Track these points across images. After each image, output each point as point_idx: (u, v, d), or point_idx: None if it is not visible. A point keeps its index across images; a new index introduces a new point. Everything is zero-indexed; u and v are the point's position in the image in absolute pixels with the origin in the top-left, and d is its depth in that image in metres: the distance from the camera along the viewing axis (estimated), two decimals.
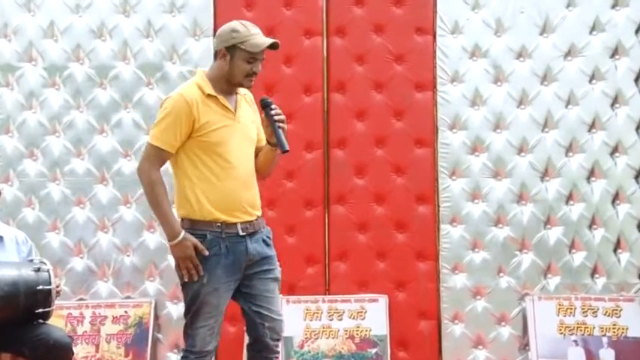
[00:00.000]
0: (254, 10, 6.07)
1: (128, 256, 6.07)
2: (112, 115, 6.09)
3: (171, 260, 5.80)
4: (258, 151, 4.02)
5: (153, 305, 5.93)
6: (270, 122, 3.88)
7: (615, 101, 5.94)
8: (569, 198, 5.97)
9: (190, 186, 3.80)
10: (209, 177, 3.78)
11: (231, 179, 3.80)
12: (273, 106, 3.88)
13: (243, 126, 3.89)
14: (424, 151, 6.04)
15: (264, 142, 4.04)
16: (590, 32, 6.00)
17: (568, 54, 6.00)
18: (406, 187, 6.04)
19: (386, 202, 6.05)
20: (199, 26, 6.08)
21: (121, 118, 6.10)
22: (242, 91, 3.94)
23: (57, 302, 4.50)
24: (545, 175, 6.00)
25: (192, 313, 3.85)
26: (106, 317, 5.90)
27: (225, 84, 3.84)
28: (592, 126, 5.97)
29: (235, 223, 3.81)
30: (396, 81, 6.05)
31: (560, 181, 5.98)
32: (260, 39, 3.80)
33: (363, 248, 6.02)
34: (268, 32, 5.97)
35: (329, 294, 5.94)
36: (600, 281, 5.91)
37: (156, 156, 3.77)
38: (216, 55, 3.84)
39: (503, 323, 5.93)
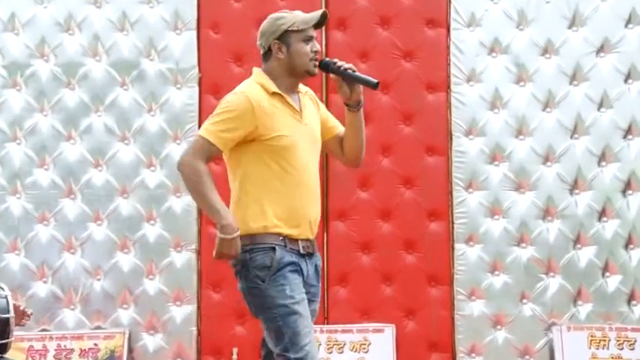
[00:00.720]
0: (244, 0, 6.08)
1: (98, 280, 6.02)
2: (80, 119, 6.07)
3: (147, 285, 5.91)
4: (334, 142, 4.03)
5: (126, 336, 5.90)
6: (342, 74, 3.85)
7: None
8: (602, 214, 5.95)
9: (254, 194, 3.78)
10: (275, 185, 3.78)
11: (299, 189, 3.82)
12: (335, 60, 3.87)
13: (310, 129, 3.90)
14: (436, 160, 6.01)
15: (337, 130, 4.05)
16: (626, 25, 6.00)
17: (600, 49, 5.99)
18: (416, 201, 6.00)
19: (393, 218, 6.01)
20: (181, 18, 6.06)
21: (91, 123, 6.07)
22: (302, 89, 3.97)
23: (16, 333, 4.35)
24: (574, 187, 5.97)
25: (291, 335, 3.72)
26: (72, 350, 5.86)
27: (288, 78, 3.87)
28: (628, 131, 5.96)
29: (297, 240, 3.81)
30: (405, 80, 5.99)
31: (591, 195, 5.96)
32: (307, 14, 3.86)
33: (366, 271, 5.98)
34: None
35: (328, 323, 5.91)
36: (638, 309, 5.89)
37: (203, 149, 3.74)
38: (265, 55, 3.88)
39: (527, 357, 5.89)
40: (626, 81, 5.96)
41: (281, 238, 3.77)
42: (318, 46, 3.87)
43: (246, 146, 3.79)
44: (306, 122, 3.89)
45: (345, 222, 5.99)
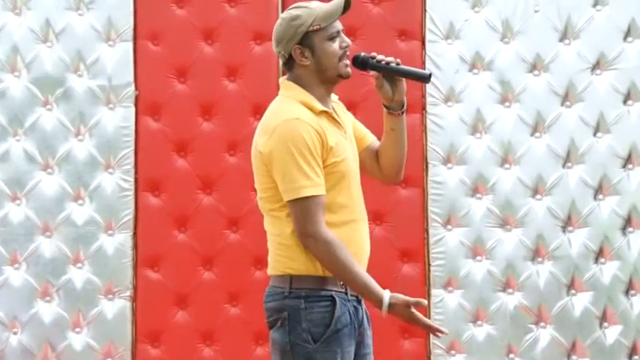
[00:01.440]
0: (187, 6, 5.99)
1: (15, 333, 5.90)
2: None
3: (72, 339, 5.83)
4: (366, 156, 3.91)
5: None
6: (385, 70, 3.71)
7: None
8: (600, 254, 5.90)
9: None
10: (330, 219, 3.62)
11: (356, 223, 3.73)
12: (373, 54, 3.73)
13: (352, 144, 3.79)
14: (410, 193, 5.95)
15: (368, 140, 3.91)
16: (625, 38, 5.97)
17: (596, 66, 5.96)
18: (387, 239, 5.90)
19: None
20: (114, 28, 5.97)
21: (8, 149, 5.96)
22: (333, 97, 3.85)
23: None
24: (567, 224, 5.92)
25: None
26: None
27: (321, 87, 3.73)
28: (628, 160, 5.93)
29: None
30: (374, 100, 5.53)
31: (587, 232, 5.91)
32: (327, 6, 3.67)
33: None
34: (205, 36, 6.04)
35: None
36: None
37: (316, 209, 3.56)
38: (287, 64, 3.75)
39: None
40: (625, 102, 5.90)
41: (342, 282, 3.62)
42: (347, 40, 3.69)
43: None
44: (349, 136, 3.77)
45: None
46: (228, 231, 5.81)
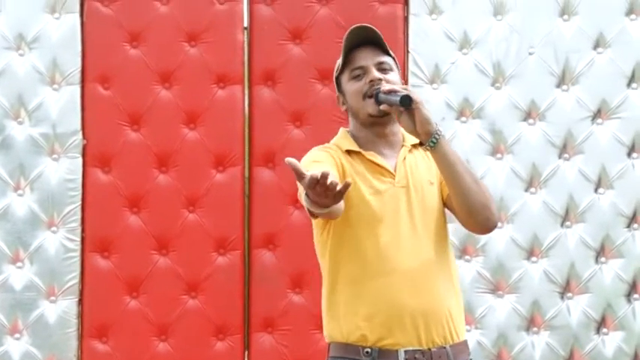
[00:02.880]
0: (142, 45, 5.97)
1: None
2: None
3: None
4: (449, 201, 3.82)
5: None
6: (389, 103, 3.62)
7: None
8: (602, 324, 5.88)
9: (332, 288, 3.70)
10: (355, 273, 3.64)
11: (388, 275, 3.62)
12: (382, 85, 3.69)
13: (412, 190, 3.72)
14: None
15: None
16: (629, 84, 5.98)
17: (598, 114, 5.96)
18: None
19: None
20: (60, 69, 5.94)
21: None
22: (410, 140, 3.78)
23: None
24: (566, 289, 5.90)
25: None
26: None
27: (365, 130, 3.78)
28: (633, 219, 5.92)
29: (395, 350, 3.58)
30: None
31: (588, 299, 5.88)
32: (344, 42, 3.73)
33: None
34: (162, 79, 6.04)
35: None
36: None
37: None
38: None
39: None
40: (629, 154, 5.91)
41: (366, 349, 3.57)
42: (374, 74, 3.65)
43: (331, 222, 3.69)
44: (404, 183, 3.70)
45: (272, 334, 5.85)
46: (187, 297, 5.78)
